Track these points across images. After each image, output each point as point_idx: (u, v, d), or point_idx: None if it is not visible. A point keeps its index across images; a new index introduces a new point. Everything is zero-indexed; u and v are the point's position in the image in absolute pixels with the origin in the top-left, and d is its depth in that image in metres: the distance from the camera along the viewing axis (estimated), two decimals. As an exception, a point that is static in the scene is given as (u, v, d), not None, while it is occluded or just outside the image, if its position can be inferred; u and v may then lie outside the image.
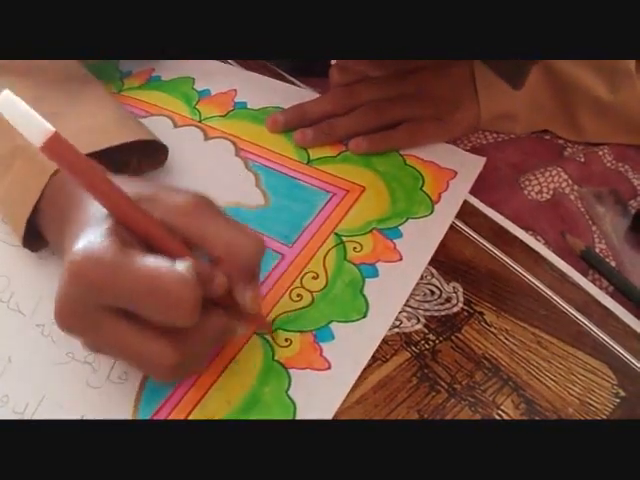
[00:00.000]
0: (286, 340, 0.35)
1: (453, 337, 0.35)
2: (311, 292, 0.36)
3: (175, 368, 0.30)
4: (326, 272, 0.37)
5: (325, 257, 0.38)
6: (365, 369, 0.34)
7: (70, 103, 0.41)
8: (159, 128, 0.44)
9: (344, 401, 0.33)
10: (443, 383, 0.34)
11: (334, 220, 0.39)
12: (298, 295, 0.36)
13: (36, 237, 0.38)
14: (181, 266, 0.28)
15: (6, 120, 0.40)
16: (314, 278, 0.37)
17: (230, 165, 0.43)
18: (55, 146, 0.29)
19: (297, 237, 0.39)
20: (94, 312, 0.29)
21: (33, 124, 0.29)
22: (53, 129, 0.29)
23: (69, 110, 0.40)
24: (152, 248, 0.30)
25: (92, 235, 0.29)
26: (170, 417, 0.33)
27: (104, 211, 0.30)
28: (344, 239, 0.39)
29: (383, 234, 0.39)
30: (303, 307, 0.36)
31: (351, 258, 0.38)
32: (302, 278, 0.37)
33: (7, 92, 0.29)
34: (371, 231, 0.39)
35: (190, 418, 0.33)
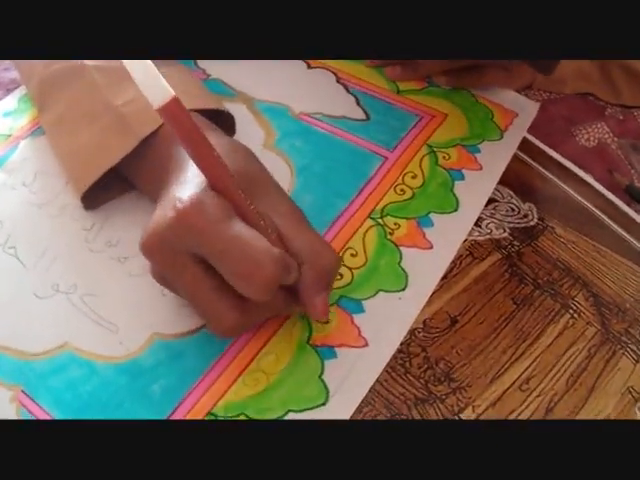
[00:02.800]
0: (395, 224, 0.42)
1: (532, 244, 0.43)
2: (412, 188, 0.43)
3: (233, 329, 0.32)
4: (423, 173, 0.44)
5: (421, 161, 0.45)
6: (465, 266, 0.41)
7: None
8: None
9: (451, 290, 0.40)
10: (529, 278, 0.41)
11: (425, 135, 0.46)
12: (401, 190, 0.43)
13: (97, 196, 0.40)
14: (276, 250, 0.30)
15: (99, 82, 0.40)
16: (413, 177, 0.44)
17: (333, 89, 0.49)
18: (171, 110, 0.29)
19: (396, 144, 0.46)
20: (183, 254, 0.31)
21: (156, 86, 0.29)
22: (173, 93, 0.29)
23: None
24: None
25: (205, 189, 0.31)
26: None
27: None
28: (434, 149, 0.46)
29: (466, 149, 0.46)
30: (406, 199, 0.43)
31: (442, 164, 0.45)
32: (404, 177, 0.44)
33: None
34: (455, 146, 0.46)
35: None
